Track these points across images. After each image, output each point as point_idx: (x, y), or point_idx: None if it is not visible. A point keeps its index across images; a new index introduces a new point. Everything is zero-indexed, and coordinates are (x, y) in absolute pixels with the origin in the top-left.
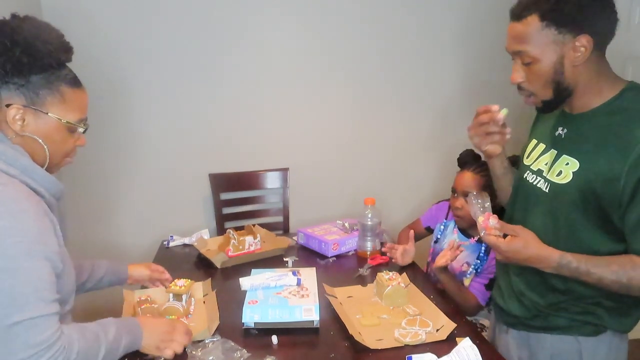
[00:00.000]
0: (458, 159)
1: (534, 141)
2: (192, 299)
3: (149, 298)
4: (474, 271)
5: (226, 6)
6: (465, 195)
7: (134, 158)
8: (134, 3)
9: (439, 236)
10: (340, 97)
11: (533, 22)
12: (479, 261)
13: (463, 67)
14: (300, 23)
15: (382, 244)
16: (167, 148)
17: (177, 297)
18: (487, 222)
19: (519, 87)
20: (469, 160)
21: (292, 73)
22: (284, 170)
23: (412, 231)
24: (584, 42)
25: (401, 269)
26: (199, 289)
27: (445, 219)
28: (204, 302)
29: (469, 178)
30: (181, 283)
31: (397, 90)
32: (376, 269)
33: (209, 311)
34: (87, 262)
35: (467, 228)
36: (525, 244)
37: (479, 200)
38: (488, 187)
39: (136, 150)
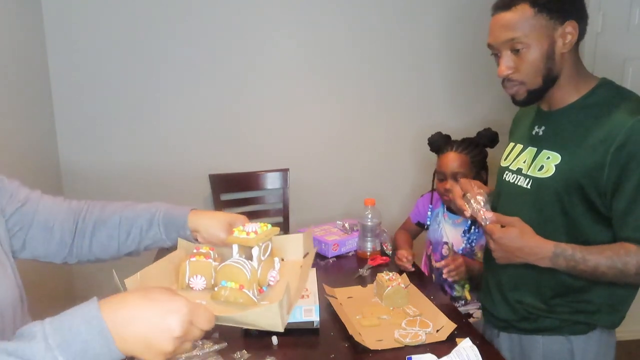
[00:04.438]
0: (430, 143)
1: (512, 144)
2: (276, 258)
3: (210, 251)
4: (469, 245)
5: (226, 7)
6: (455, 176)
7: (133, 159)
8: (135, 3)
9: (428, 223)
10: (340, 97)
11: (524, 10)
12: (475, 230)
13: (462, 66)
14: (300, 24)
15: (382, 245)
16: (167, 148)
17: (245, 251)
18: (485, 212)
19: (507, 80)
20: (443, 142)
21: (293, 73)
22: (284, 171)
23: (410, 238)
24: (570, 29)
25: (401, 270)
26: (294, 244)
27: (431, 204)
28: (301, 266)
29: (454, 158)
30: (252, 228)
31: (398, 90)
32: (376, 269)
33: (302, 285)
34: (118, 232)
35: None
36: (522, 233)
37: (478, 198)
38: (474, 163)
39: (136, 151)
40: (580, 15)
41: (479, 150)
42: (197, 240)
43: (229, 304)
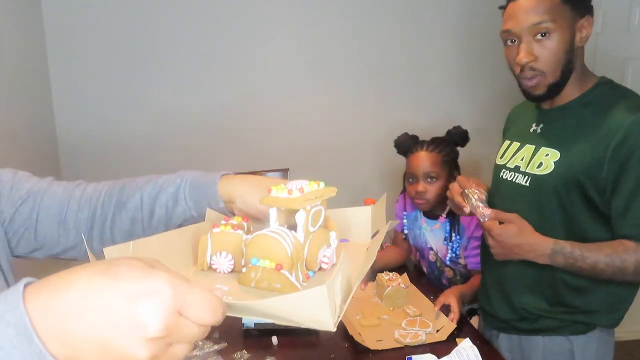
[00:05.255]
0: (397, 146)
1: (507, 142)
2: (332, 232)
3: (244, 222)
4: (454, 254)
5: (226, 6)
6: (427, 177)
7: (133, 159)
8: (134, 2)
9: (406, 231)
10: (340, 97)
11: None
12: (456, 237)
13: (462, 64)
14: (300, 23)
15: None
16: (166, 148)
17: (287, 218)
18: (483, 209)
19: (527, 69)
20: (411, 142)
21: (293, 73)
22: (284, 171)
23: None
24: (585, 24)
25: (401, 270)
26: (360, 219)
27: (405, 212)
28: (368, 248)
29: (426, 157)
30: (296, 184)
31: (398, 90)
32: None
33: (365, 269)
34: (140, 214)
35: (430, 210)
36: (520, 230)
37: (477, 195)
38: (447, 162)
39: (135, 151)
40: (592, 12)
41: (450, 148)
42: (233, 214)
43: (261, 291)
